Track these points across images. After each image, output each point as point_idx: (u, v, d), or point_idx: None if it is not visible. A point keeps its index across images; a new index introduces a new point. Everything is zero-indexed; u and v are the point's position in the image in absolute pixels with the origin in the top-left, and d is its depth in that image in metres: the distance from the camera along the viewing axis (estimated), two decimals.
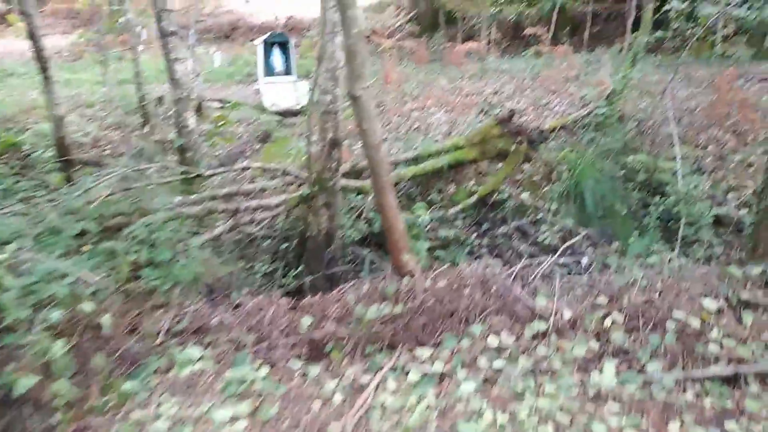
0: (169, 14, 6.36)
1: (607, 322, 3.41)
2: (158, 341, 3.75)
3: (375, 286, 3.61)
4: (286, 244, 6.36)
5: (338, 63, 5.48)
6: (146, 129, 9.41)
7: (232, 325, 3.78)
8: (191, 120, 6.71)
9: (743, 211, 6.78)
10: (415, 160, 7.54)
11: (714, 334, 3.29)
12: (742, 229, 6.39)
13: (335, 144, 5.18)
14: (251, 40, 17.13)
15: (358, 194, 6.78)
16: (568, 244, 5.04)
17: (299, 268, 6.08)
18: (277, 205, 5.79)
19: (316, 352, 3.55)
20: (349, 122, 10.26)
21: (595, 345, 3.29)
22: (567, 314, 3.45)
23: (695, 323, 3.32)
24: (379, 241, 6.95)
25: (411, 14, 18.21)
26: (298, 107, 11.66)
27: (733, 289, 3.60)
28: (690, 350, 3.20)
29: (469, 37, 16.52)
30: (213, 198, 5.43)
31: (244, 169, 6.31)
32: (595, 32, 15.86)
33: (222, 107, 13.00)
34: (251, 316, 3.75)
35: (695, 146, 7.87)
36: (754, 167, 7.47)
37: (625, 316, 3.44)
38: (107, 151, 8.95)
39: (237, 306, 3.93)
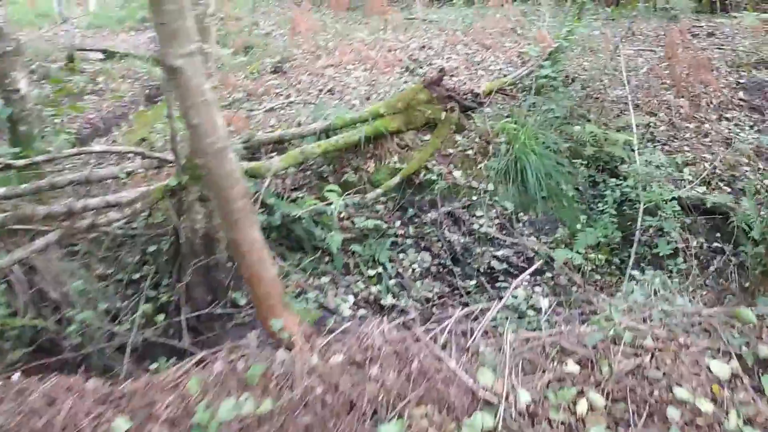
0: None
1: (582, 406, 2.31)
2: None
3: (232, 366, 2.32)
4: (154, 246, 4.94)
5: (206, 8, 3.99)
6: None
7: (6, 429, 2.41)
8: (23, 82, 5.05)
9: (702, 189, 5.92)
10: (327, 132, 6.17)
11: (732, 421, 2.25)
12: (705, 212, 5.52)
13: None
14: None
15: (252, 178, 5.37)
16: (523, 277, 3.87)
17: (171, 279, 4.73)
18: (134, 201, 4.31)
19: None
20: (246, 82, 8.67)
21: None
22: (524, 397, 2.31)
23: (706, 406, 2.27)
24: (285, 235, 5.64)
25: None
26: None
27: (746, 342, 2.57)
28: None
29: None
30: (33, 193, 3.88)
31: (78, 154, 4.73)
32: None
33: (104, 59, 11.04)
34: (37, 414, 2.38)
35: (646, 113, 6.91)
36: (710, 138, 6.62)
37: (607, 396, 2.34)
38: None
39: (21, 391, 2.54)
